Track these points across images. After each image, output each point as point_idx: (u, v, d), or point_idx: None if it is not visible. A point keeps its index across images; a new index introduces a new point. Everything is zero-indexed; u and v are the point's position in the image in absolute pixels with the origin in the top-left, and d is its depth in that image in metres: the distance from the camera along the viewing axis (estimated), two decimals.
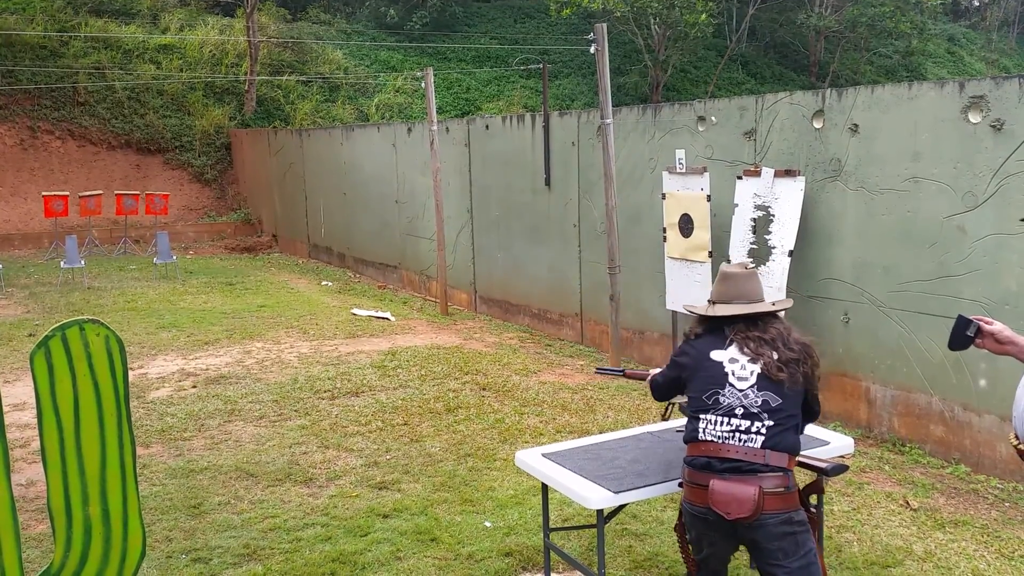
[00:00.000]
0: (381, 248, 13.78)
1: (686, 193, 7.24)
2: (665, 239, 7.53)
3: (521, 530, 4.88)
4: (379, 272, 13.97)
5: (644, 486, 3.43)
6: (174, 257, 14.65)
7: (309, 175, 16.13)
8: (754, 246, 6.70)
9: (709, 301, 3.32)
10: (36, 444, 6.25)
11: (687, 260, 7.29)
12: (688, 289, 7.27)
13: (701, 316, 3.31)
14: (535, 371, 8.29)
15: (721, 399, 3.11)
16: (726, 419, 3.08)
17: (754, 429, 3.04)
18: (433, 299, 12.04)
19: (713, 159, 7.36)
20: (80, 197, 17.01)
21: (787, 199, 6.44)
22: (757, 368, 3.10)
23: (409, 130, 12.58)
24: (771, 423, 3.05)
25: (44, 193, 17.06)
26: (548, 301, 9.89)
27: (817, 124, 6.46)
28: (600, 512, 3.48)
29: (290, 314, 11.22)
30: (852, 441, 4.00)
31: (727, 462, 3.04)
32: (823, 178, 6.43)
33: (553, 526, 4.55)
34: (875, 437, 6.28)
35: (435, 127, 10.88)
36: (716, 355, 3.19)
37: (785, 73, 30.11)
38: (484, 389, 7.68)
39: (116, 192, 17.76)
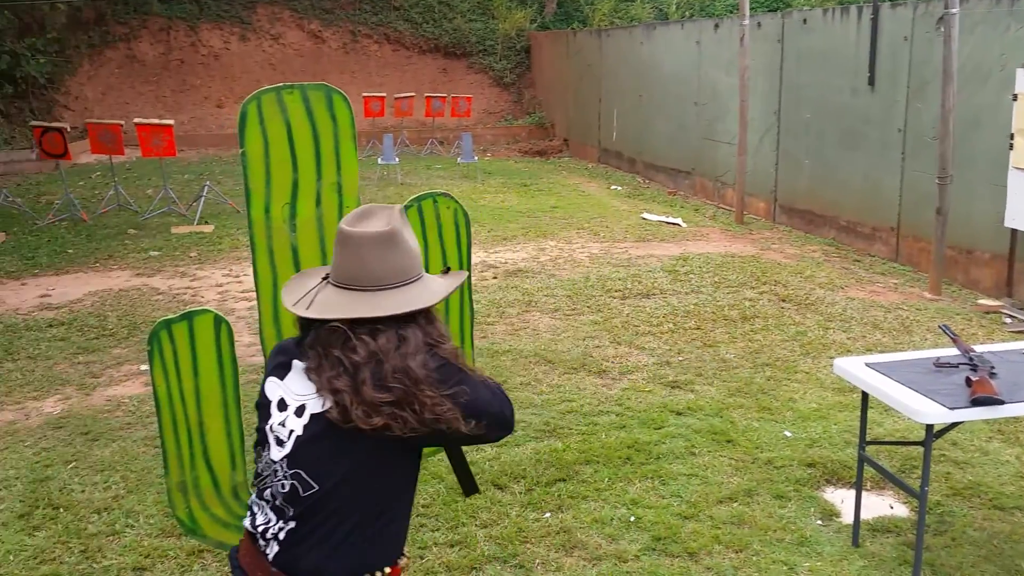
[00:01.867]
0: (674, 153, 13.52)
1: None
2: (1012, 146, 6.65)
3: (825, 443, 4.67)
4: (670, 178, 13.75)
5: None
6: (475, 158, 15.37)
7: (605, 77, 16.08)
8: None
9: (324, 278, 1.90)
10: None
11: None
12: None
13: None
14: (841, 286, 7.80)
15: (260, 468, 1.90)
16: (263, 504, 1.90)
17: (272, 532, 1.86)
18: (727, 207, 11.67)
19: None
20: (395, 99, 18.24)
21: None
22: (301, 423, 1.82)
23: (716, 26, 12.05)
24: (293, 525, 1.82)
25: (364, 94, 18.47)
26: (859, 213, 9.20)
27: None
28: (929, 428, 3.21)
29: (581, 216, 11.41)
30: None
31: (240, 571, 1.92)
32: None
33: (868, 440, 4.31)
34: None
35: (746, 22, 10.31)
36: (270, 387, 1.90)
37: None
38: (784, 300, 7.37)
39: (426, 95, 18.83)
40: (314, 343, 1.80)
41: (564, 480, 4.30)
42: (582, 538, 3.78)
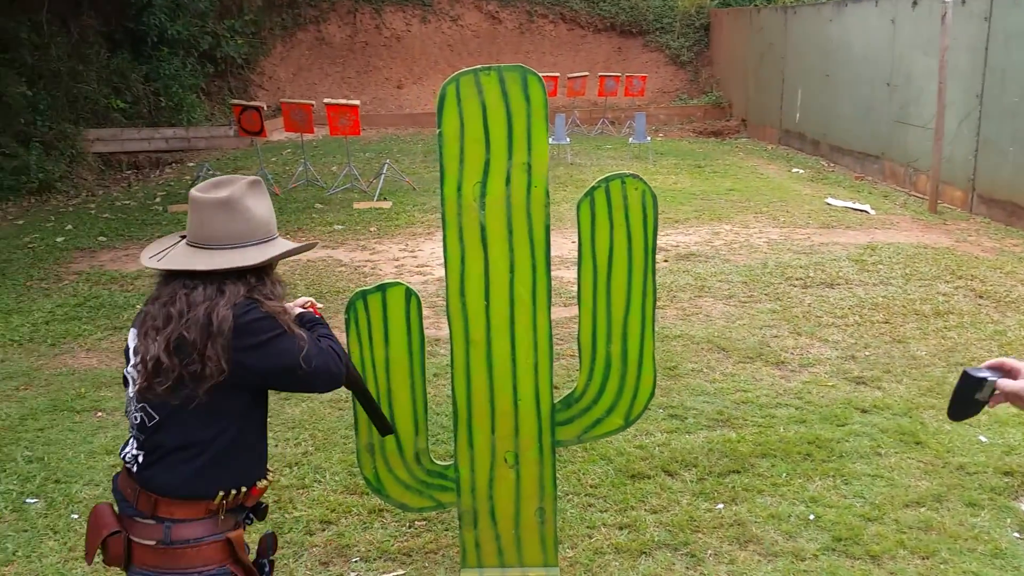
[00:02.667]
0: (862, 136, 12.82)
1: None
2: None
3: (1023, 451, 4.34)
4: (856, 162, 13.06)
5: None
6: (648, 138, 15.17)
7: (790, 56, 15.43)
8: None
9: (181, 238, 2.20)
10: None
11: None
12: None
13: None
14: None
15: (126, 406, 2.22)
16: (129, 434, 2.20)
17: (132, 454, 2.14)
18: (919, 195, 10.96)
19: None
20: (568, 78, 18.26)
21: None
22: (136, 362, 2.10)
23: (914, 3, 11.28)
24: (143, 453, 2.11)
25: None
26: None
27: None
28: None
29: (759, 199, 11.04)
30: None
31: (115, 491, 2.19)
32: None
33: None
34: None
35: None
36: (131, 336, 2.16)
37: None
38: (981, 297, 6.86)
39: (599, 74, 18.74)
40: (151, 298, 2.11)
41: (738, 472, 4.21)
42: (757, 532, 3.69)
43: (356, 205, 11.00)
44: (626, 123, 17.80)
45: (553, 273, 7.65)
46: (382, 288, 2.92)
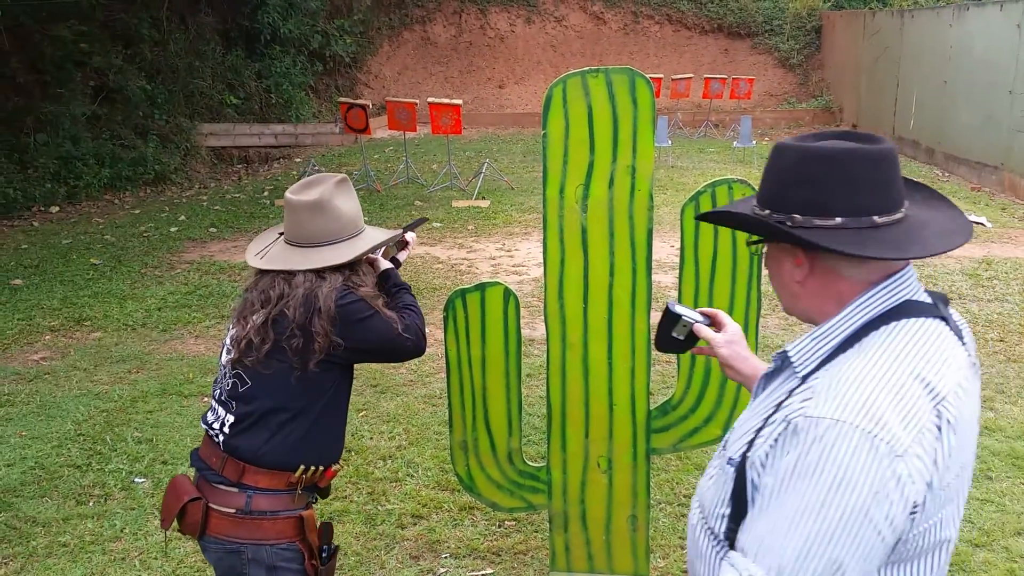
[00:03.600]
0: (980, 145, 12.22)
1: None
2: None
3: None
4: (973, 172, 12.46)
5: None
6: (753, 142, 14.83)
7: (905, 60, 14.85)
8: None
9: (280, 235, 2.36)
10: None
11: None
12: None
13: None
14: None
15: (217, 376, 2.33)
16: (213, 403, 2.30)
17: (220, 422, 2.24)
18: None
19: None
20: (672, 80, 18.03)
21: None
22: (235, 334, 2.24)
23: None
24: (233, 418, 2.20)
25: None
26: None
27: None
28: None
29: None
30: None
31: (198, 460, 2.29)
32: None
33: None
34: None
35: None
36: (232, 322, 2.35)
37: None
38: None
39: (704, 76, 18.43)
40: (250, 286, 2.27)
41: None
42: None
43: (455, 203, 11.12)
44: (731, 126, 17.46)
45: (654, 277, 7.57)
46: (481, 287, 2.93)
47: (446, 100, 12.36)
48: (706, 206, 2.78)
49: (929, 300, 1.33)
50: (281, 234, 2.33)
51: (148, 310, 6.98)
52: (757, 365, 1.68)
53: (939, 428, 1.22)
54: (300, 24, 17.34)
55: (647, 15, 21.07)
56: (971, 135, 12.50)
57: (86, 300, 7.22)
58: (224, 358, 2.25)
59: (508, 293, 2.94)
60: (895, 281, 1.30)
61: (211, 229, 9.90)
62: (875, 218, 1.28)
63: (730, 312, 2.83)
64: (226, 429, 2.20)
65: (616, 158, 2.76)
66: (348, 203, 2.30)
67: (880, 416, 1.18)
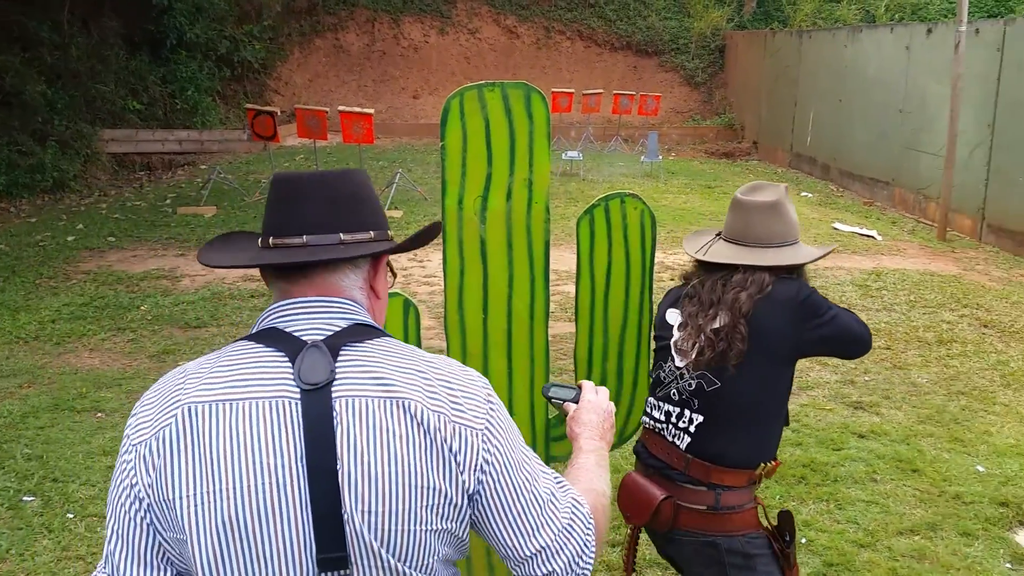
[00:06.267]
0: (873, 161, 12.82)
1: None
2: None
3: (1021, 482, 4.33)
4: (866, 187, 13.06)
5: None
6: (660, 157, 15.20)
7: (803, 80, 15.47)
8: None
9: (717, 235, 2.48)
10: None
11: None
12: None
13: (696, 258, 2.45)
14: None
15: (661, 376, 2.43)
16: (662, 404, 2.41)
17: (683, 423, 2.33)
18: (928, 222, 10.95)
19: None
20: (583, 95, 18.32)
21: None
22: (689, 334, 2.35)
23: (929, 31, 11.31)
24: (701, 419, 2.29)
25: (553, 90, 18.66)
26: None
27: None
28: None
29: None
30: None
31: (652, 458, 2.40)
32: None
33: None
34: None
35: (963, 28, 9.62)
36: (670, 315, 2.45)
37: None
38: (985, 326, 6.85)
39: (614, 92, 18.79)
40: (698, 282, 2.36)
41: None
42: None
43: None
44: (639, 141, 17.84)
45: (560, 288, 7.67)
46: None
47: (357, 109, 12.28)
48: (600, 220, 2.85)
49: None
50: (718, 234, 2.42)
51: (42, 322, 6.72)
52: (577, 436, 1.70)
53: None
54: (207, 29, 16.97)
55: (559, 30, 21.38)
56: (865, 152, 13.10)
57: None
58: (678, 360, 2.32)
59: (408, 304, 2.95)
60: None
61: (110, 238, 9.60)
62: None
63: (623, 322, 2.91)
64: (691, 429, 2.29)
65: (513, 171, 2.81)
66: (793, 210, 2.39)
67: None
